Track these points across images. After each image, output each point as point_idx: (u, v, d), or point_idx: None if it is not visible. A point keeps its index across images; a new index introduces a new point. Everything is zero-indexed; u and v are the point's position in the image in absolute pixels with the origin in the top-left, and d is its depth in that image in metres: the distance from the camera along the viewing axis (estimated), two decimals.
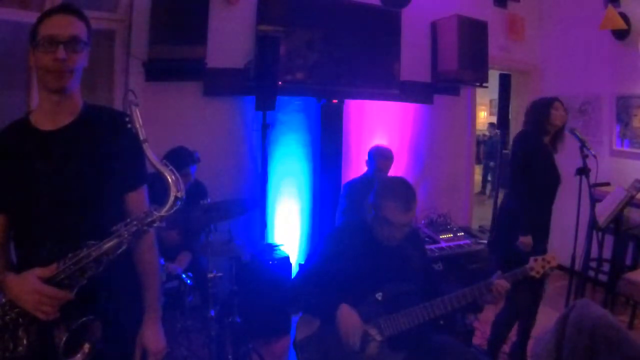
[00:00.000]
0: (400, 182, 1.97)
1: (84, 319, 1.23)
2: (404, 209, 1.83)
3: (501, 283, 1.85)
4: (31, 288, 1.17)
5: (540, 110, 2.79)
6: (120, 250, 1.22)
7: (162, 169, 1.23)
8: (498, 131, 4.86)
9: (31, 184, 1.26)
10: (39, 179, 1.25)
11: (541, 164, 2.73)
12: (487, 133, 10.43)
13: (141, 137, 1.23)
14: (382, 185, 1.94)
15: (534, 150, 2.74)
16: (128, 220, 1.23)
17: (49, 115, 1.30)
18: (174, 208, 1.25)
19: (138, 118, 1.24)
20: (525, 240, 2.69)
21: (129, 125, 1.23)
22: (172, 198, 1.24)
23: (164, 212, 1.24)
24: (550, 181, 2.76)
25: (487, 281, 1.87)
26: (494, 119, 5.16)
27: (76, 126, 1.31)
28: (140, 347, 1.40)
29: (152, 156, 1.24)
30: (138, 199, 1.38)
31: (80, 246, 1.20)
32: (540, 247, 2.68)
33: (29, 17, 3.08)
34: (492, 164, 9.33)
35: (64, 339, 1.21)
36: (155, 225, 1.25)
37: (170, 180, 1.24)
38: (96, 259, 1.20)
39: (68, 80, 1.27)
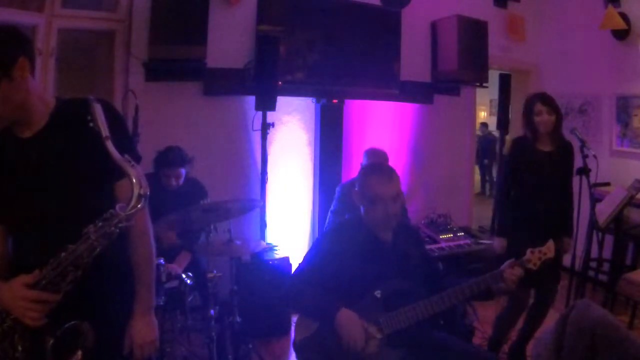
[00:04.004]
0: (376, 163, 2.04)
1: (69, 323, 1.23)
2: (387, 179, 1.87)
3: (513, 270, 1.85)
4: (16, 295, 1.18)
5: (525, 114, 2.72)
6: (96, 253, 1.19)
7: (124, 165, 1.19)
8: (490, 130, 4.86)
9: (16, 193, 1.25)
10: (23, 187, 1.25)
11: (526, 168, 2.69)
12: (479, 133, 10.57)
13: (103, 135, 1.19)
14: (361, 171, 2.03)
15: (520, 154, 2.72)
16: (96, 221, 1.19)
17: (26, 123, 1.28)
18: (138, 206, 1.20)
19: (100, 115, 1.20)
20: (497, 242, 2.76)
21: (91, 124, 1.19)
22: (135, 195, 1.19)
23: (128, 210, 1.20)
24: (538, 183, 2.67)
25: (498, 270, 1.87)
26: (494, 119, 5.16)
27: (49, 129, 1.28)
28: (128, 339, 1.39)
29: (114, 153, 1.19)
30: (127, 187, 1.31)
31: (62, 250, 1.19)
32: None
33: (29, 17, 3.09)
34: (485, 161, 9.58)
35: (50, 344, 1.21)
36: (122, 225, 1.20)
37: (133, 177, 1.19)
38: (73, 263, 1.18)
39: None
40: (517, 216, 2.71)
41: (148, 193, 1.22)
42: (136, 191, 1.19)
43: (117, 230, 1.20)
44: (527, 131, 2.73)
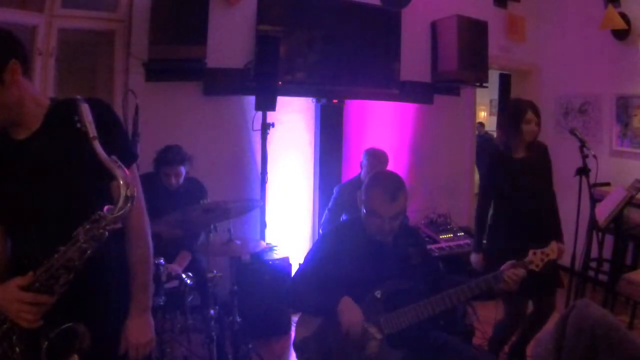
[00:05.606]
0: (387, 174, 1.99)
1: (64, 326, 1.22)
2: (390, 199, 1.82)
3: (515, 271, 1.85)
4: (10, 297, 1.18)
5: (511, 122, 2.59)
6: (87, 255, 1.19)
7: (111, 166, 1.18)
8: (487, 130, 4.86)
9: (13, 194, 1.25)
10: (19, 188, 1.25)
11: (504, 181, 2.61)
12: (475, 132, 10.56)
13: (90, 135, 1.18)
14: (370, 178, 1.96)
15: (497, 167, 2.65)
16: (85, 224, 1.19)
17: (21, 124, 1.27)
18: (126, 207, 1.19)
19: (87, 115, 1.20)
20: (474, 258, 2.73)
21: (78, 125, 1.19)
22: (122, 197, 1.18)
23: (116, 212, 1.18)
24: (515, 193, 2.60)
25: (499, 271, 1.87)
26: (494, 119, 5.17)
27: (44, 130, 1.28)
28: (124, 339, 1.38)
29: (101, 153, 1.19)
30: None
31: (55, 252, 1.18)
32: (511, 249, 2.30)
33: (29, 17, 3.09)
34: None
35: (44, 347, 1.20)
36: (110, 227, 1.19)
37: (120, 178, 1.18)
38: (64, 265, 1.18)
39: None
40: (500, 229, 2.67)
41: (135, 195, 1.21)
42: (123, 193, 1.18)
43: (106, 233, 1.19)
44: (507, 136, 2.63)
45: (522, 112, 2.56)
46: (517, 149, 2.62)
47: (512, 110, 2.65)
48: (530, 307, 2.81)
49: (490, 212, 2.75)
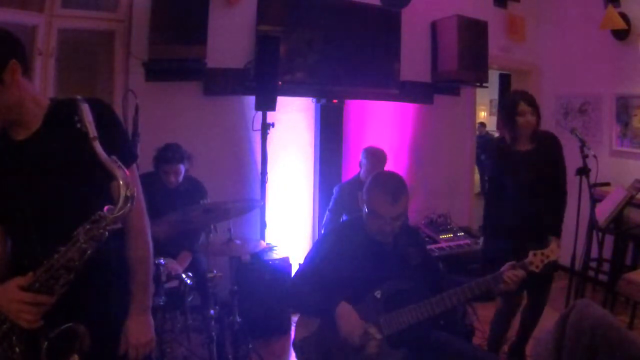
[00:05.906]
0: (389, 175, 1.98)
1: (63, 326, 1.22)
2: (392, 201, 1.81)
3: (515, 272, 1.86)
4: (10, 297, 1.18)
5: (507, 116, 2.58)
6: (87, 256, 1.19)
7: (111, 166, 1.19)
8: (488, 130, 4.86)
9: (13, 195, 1.25)
10: (19, 189, 1.24)
11: (505, 172, 2.62)
12: (477, 132, 10.57)
13: (90, 135, 1.19)
14: (372, 179, 1.95)
15: (498, 159, 2.67)
16: (85, 224, 1.19)
17: (21, 124, 1.27)
18: (126, 208, 1.20)
19: (87, 115, 1.20)
20: (481, 242, 2.83)
21: (78, 125, 1.19)
22: (122, 197, 1.19)
23: (116, 213, 1.19)
24: (516, 187, 2.59)
25: (499, 272, 1.87)
26: (494, 119, 5.17)
27: (43, 131, 1.27)
28: (124, 339, 1.39)
29: (102, 154, 1.19)
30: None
31: (56, 252, 1.18)
32: (509, 249, 2.34)
33: (29, 17, 3.09)
34: (483, 157, 9.49)
35: (44, 347, 1.20)
36: (110, 227, 1.20)
37: (120, 179, 1.18)
38: (64, 265, 1.18)
39: None
40: (499, 222, 2.67)
41: (135, 195, 1.21)
42: (123, 193, 1.18)
43: (106, 233, 1.20)
44: (506, 131, 2.62)
45: (515, 105, 2.56)
46: (518, 141, 2.60)
47: (506, 104, 2.66)
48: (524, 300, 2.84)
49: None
